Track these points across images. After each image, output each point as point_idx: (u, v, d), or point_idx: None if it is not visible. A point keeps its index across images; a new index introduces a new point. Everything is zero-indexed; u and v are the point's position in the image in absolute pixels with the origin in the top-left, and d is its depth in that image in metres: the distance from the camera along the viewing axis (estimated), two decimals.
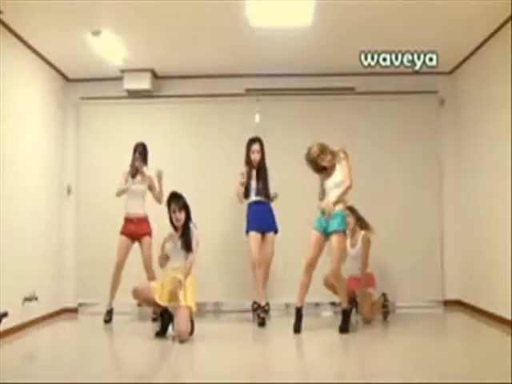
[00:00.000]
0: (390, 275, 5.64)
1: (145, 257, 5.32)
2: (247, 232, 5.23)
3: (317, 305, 5.83)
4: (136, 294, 4.56)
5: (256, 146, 5.28)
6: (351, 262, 5.30)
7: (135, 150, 5.42)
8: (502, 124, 4.80)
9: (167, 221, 4.74)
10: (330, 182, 4.66)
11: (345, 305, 4.74)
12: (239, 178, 5.23)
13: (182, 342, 4.31)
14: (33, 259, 5.23)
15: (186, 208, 4.70)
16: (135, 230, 5.33)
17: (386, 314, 5.33)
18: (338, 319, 4.73)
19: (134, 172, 5.39)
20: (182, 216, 4.65)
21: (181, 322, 4.36)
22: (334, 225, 4.58)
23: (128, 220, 5.36)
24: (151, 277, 5.22)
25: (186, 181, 6.00)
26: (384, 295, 5.37)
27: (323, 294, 5.40)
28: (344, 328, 4.63)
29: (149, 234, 5.38)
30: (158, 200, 5.36)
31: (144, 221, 5.39)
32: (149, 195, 5.46)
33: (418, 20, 4.74)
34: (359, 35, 4.99)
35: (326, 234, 4.63)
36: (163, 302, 4.50)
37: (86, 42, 5.08)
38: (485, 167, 5.31)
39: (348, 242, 5.25)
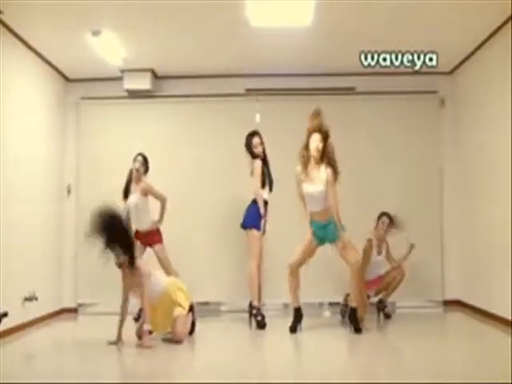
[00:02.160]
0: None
1: (161, 260, 5.27)
2: (251, 227, 5.07)
3: (317, 305, 5.84)
4: None
5: (257, 139, 5.22)
6: (372, 267, 5.28)
7: (134, 160, 5.30)
8: (502, 124, 4.80)
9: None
10: (311, 189, 4.57)
11: (354, 303, 4.64)
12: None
13: (178, 343, 4.26)
14: (33, 259, 5.22)
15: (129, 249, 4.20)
16: (145, 240, 5.29)
17: (386, 315, 5.34)
18: (338, 319, 4.72)
19: (126, 191, 5.31)
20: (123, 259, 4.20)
21: (177, 323, 4.30)
22: (330, 236, 4.54)
23: (137, 231, 5.26)
24: (174, 274, 5.08)
25: (186, 181, 6.03)
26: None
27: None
28: (357, 327, 4.55)
29: (159, 241, 5.33)
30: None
31: (152, 233, 5.30)
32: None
33: (417, 20, 4.73)
34: (359, 35, 4.99)
35: (320, 244, 4.61)
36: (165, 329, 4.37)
37: (86, 42, 5.08)
38: (485, 167, 5.31)
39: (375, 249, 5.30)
